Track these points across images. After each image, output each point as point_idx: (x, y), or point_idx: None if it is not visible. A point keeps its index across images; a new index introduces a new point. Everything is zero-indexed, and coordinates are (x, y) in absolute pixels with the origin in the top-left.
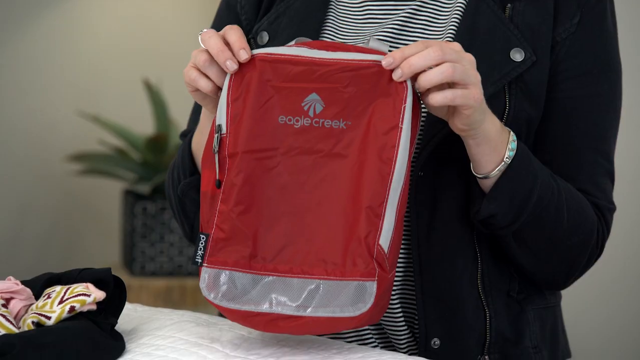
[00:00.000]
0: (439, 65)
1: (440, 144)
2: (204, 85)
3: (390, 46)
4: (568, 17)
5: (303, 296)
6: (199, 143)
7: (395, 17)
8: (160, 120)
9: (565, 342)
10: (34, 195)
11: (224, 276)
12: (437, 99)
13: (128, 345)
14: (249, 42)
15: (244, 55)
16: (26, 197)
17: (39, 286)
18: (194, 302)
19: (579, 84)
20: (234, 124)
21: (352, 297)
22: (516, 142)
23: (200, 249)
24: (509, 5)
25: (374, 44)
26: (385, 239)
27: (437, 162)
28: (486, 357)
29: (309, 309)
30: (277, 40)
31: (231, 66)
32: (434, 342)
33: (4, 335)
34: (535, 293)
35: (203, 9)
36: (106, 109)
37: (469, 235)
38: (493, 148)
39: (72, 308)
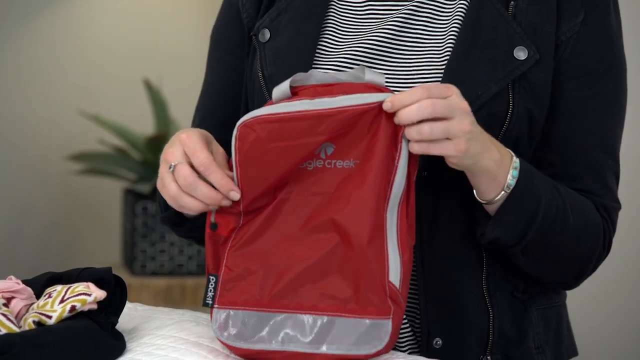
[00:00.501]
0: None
1: None
2: (196, 206)
3: (391, 45)
4: (572, 15)
5: (315, 332)
6: None
7: (396, 14)
8: (161, 120)
9: (570, 341)
10: (34, 194)
11: (234, 316)
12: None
13: (129, 345)
14: (249, 39)
15: (235, 196)
16: (26, 196)
17: (39, 285)
18: (194, 301)
19: (584, 84)
20: (245, 183)
21: (368, 335)
22: (518, 170)
23: (211, 290)
24: (512, 2)
25: (369, 77)
26: (394, 276)
27: (440, 162)
28: (488, 357)
29: (324, 346)
30: (279, 37)
31: (234, 197)
32: (436, 342)
33: (4, 334)
34: (540, 293)
35: (203, 8)
36: (106, 108)
37: (473, 235)
38: (492, 178)
39: (73, 307)
